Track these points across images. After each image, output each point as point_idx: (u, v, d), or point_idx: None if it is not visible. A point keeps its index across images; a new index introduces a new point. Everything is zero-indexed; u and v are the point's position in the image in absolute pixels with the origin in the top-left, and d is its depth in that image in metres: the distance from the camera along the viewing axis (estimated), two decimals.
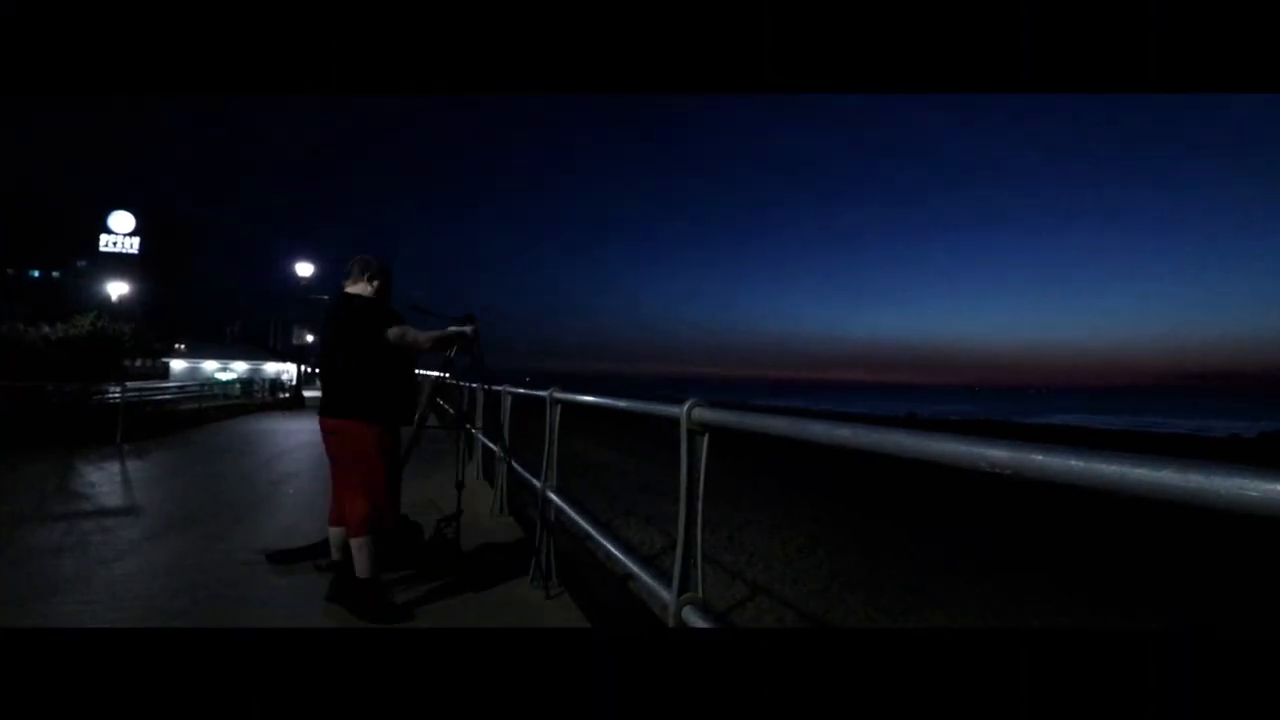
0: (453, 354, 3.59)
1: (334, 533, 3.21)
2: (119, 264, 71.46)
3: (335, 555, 3.21)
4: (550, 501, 3.48)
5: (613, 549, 2.55)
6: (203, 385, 22.36)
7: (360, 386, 3.11)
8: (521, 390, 4.92)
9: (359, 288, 3.28)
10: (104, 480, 6.73)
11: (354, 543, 3.05)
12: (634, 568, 2.27)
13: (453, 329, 3.44)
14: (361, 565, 3.04)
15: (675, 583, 1.83)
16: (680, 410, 1.84)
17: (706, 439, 1.83)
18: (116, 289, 43.63)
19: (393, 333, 3.14)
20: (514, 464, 4.23)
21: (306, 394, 24.93)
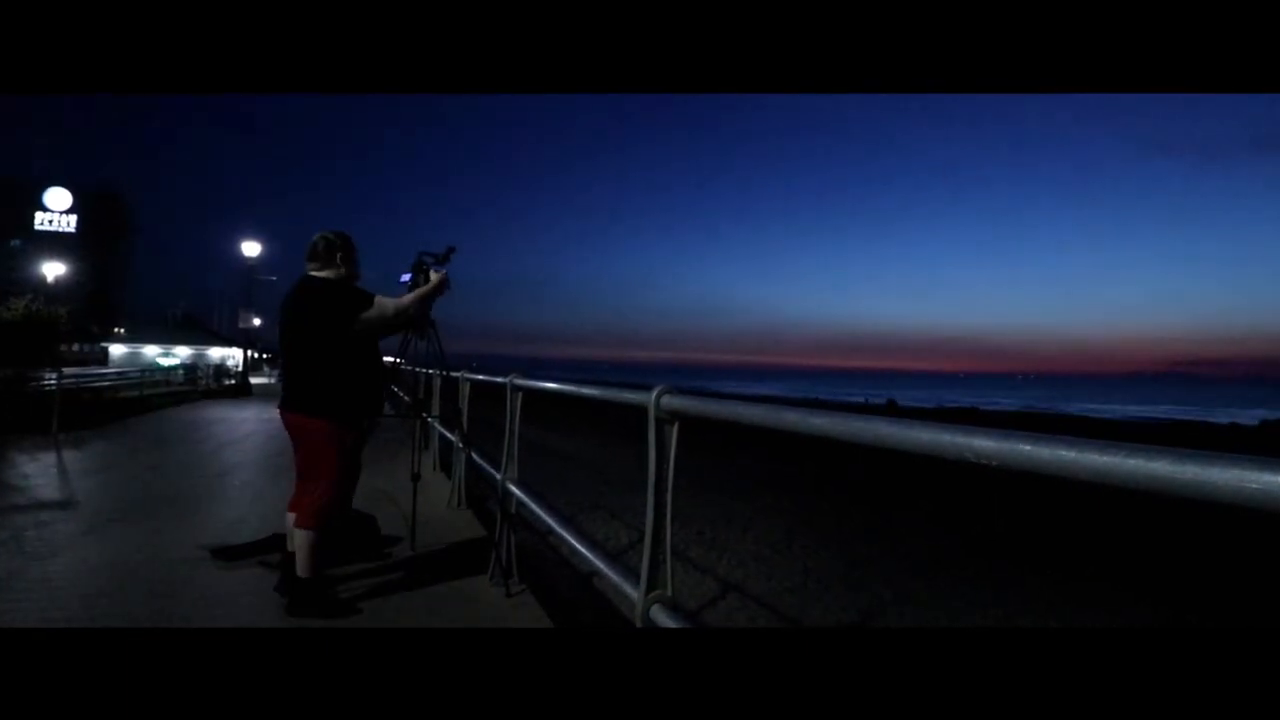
0: (409, 338, 3.50)
1: (290, 518, 3.08)
2: (55, 243, 68.41)
3: (290, 546, 3.06)
4: (511, 494, 3.38)
5: (577, 544, 2.48)
6: (144, 371, 21.40)
7: (323, 380, 2.97)
8: (481, 376, 4.81)
9: (325, 270, 3.08)
10: (39, 472, 6.40)
11: (299, 534, 2.94)
12: (599, 564, 2.21)
13: (432, 283, 3.30)
14: (302, 564, 2.93)
15: (643, 580, 1.77)
16: (648, 398, 1.77)
17: (676, 428, 1.78)
18: (53, 269, 41.84)
19: (371, 314, 3.01)
20: (473, 455, 4.12)
21: (254, 380, 24.14)
